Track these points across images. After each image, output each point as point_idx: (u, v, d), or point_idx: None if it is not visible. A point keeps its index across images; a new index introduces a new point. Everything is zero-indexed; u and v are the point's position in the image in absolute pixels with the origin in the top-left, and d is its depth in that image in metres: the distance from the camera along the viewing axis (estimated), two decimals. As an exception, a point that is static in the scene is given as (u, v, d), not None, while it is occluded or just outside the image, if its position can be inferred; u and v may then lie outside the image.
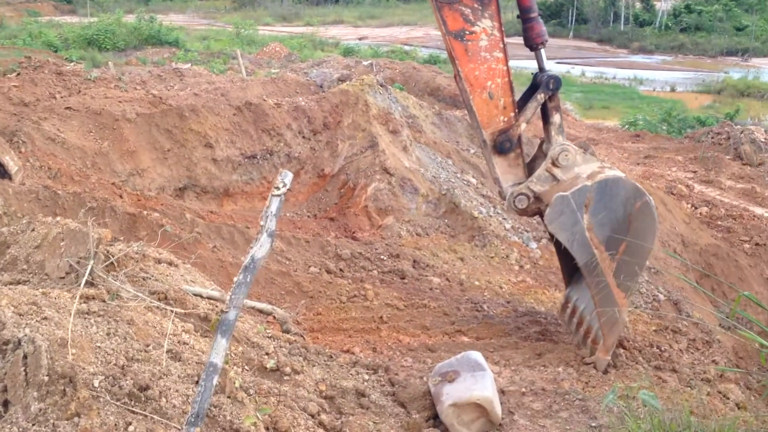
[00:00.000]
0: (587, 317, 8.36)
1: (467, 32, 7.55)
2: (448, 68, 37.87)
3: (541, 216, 7.94)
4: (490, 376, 5.17)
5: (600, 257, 7.66)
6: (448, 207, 14.18)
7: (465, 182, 15.18)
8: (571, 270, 8.61)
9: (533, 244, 13.48)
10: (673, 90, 40.43)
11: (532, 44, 8.07)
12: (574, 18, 67.51)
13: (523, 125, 8.01)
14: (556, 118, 8.12)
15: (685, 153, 21.76)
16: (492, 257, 12.79)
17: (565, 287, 9.11)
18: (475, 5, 7.46)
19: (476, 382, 5.06)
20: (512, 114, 7.91)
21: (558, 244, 8.09)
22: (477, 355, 5.38)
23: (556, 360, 7.06)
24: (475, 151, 16.73)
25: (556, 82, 7.95)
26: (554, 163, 7.91)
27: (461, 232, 13.61)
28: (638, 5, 69.67)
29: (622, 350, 8.13)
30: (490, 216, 14.02)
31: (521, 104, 8.14)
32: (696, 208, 16.89)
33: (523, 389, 5.43)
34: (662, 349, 8.76)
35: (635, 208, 7.60)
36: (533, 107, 8.01)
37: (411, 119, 16.83)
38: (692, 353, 9.41)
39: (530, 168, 8.29)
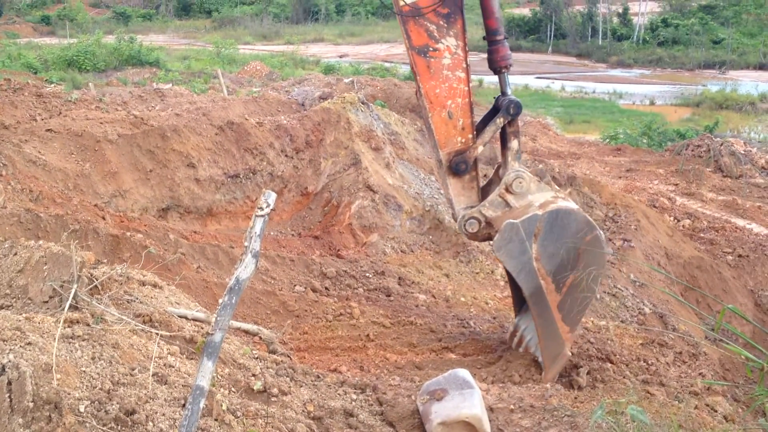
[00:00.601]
0: (532, 348, 8.30)
1: (431, 48, 7.49)
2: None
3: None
4: (478, 394, 5.15)
5: (546, 288, 7.57)
6: (433, 223, 14.20)
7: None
8: (521, 299, 8.48)
9: (518, 259, 13.50)
10: (652, 103, 40.86)
11: (496, 67, 8.03)
12: (552, 33, 68.15)
13: (480, 148, 7.95)
14: (514, 143, 8.05)
15: (666, 166, 21.95)
16: (477, 273, 12.81)
17: (514, 315, 9.06)
18: (441, 22, 7.41)
19: (464, 399, 5.05)
20: (470, 136, 7.83)
21: (509, 272, 8.00)
22: (465, 373, 5.37)
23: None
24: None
25: (517, 107, 7.88)
26: (508, 189, 7.84)
27: (446, 248, 13.63)
28: (615, 20, 70.48)
29: (609, 365, 8.15)
30: (475, 232, 14.04)
31: (481, 127, 8.07)
32: (678, 220, 17.02)
33: (512, 406, 5.42)
34: (649, 362, 8.80)
35: (585, 241, 7.49)
36: (492, 130, 7.94)
37: (393, 136, 16.88)
38: (679, 366, 9.45)
39: (485, 192, 8.20)
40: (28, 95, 16.18)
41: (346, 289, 11.37)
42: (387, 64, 48.85)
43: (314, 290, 11.01)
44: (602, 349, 9.08)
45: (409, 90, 31.44)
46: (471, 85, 7.82)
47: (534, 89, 42.88)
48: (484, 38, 7.98)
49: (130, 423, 3.87)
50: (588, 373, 8.19)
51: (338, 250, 13.39)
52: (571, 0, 73.73)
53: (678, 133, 27.67)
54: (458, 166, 7.86)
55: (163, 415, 4.09)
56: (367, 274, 11.89)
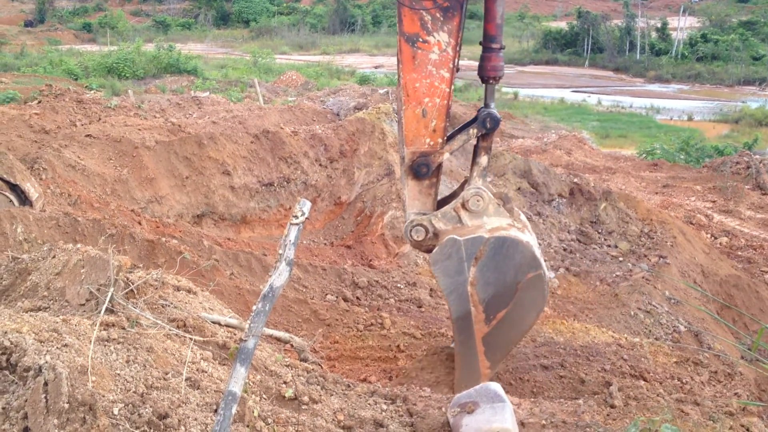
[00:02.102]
0: None
1: (420, 39, 7.15)
2: (463, 96, 38.05)
3: None
4: (509, 408, 5.11)
5: (475, 317, 7.28)
6: (465, 235, 14.14)
7: (482, 211, 15.14)
8: None
9: (551, 274, 13.40)
10: (690, 119, 40.36)
11: (485, 75, 7.65)
12: (589, 47, 67.72)
13: (446, 155, 7.59)
14: (483, 159, 7.68)
15: (703, 182, 21.65)
16: (509, 286, 12.71)
17: None
18: (437, 15, 7.08)
19: (496, 413, 5.00)
20: (440, 140, 7.42)
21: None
22: (496, 386, 5.33)
23: (579, 391, 6.98)
24: (491, 180, 16.72)
25: (494, 121, 7.51)
26: (464, 205, 7.49)
27: (478, 260, 13.55)
28: (654, 34, 69.83)
29: (643, 382, 8.04)
30: (507, 245, 13.96)
31: (456, 135, 7.73)
32: (715, 238, 16.76)
33: (543, 421, 5.36)
34: (684, 381, 8.66)
35: (526, 277, 7.18)
36: (462, 140, 7.60)
37: (428, 147, 16.86)
38: (714, 386, 9.28)
39: (444, 202, 7.86)
40: (68, 101, 16.53)
41: (377, 299, 11.38)
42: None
43: (346, 300, 11.03)
44: (636, 366, 8.96)
45: (443, 102, 31.45)
46: (452, 87, 7.42)
47: (570, 103, 42.59)
48: (480, 43, 7.64)
49: (162, 427, 3.90)
50: (620, 390, 8.08)
51: (370, 260, 13.41)
52: (609, 14, 73.27)
53: (716, 150, 27.28)
54: (420, 168, 7.48)
55: (195, 419, 4.12)
56: (399, 285, 11.88)
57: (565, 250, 14.66)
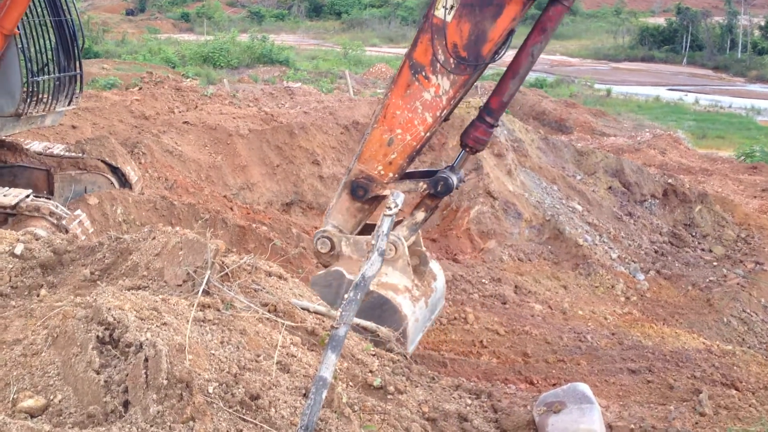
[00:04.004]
0: None
1: (423, 73, 6.98)
2: (554, 92, 37.42)
3: None
4: (597, 410, 5.03)
5: None
6: (552, 233, 13.96)
7: (570, 209, 14.91)
8: None
9: (640, 276, 13.09)
10: (794, 121, 38.55)
11: (466, 142, 7.47)
12: (688, 44, 65.46)
13: (387, 192, 7.34)
14: (420, 215, 7.55)
15: (806, 188, 20.70)
16: (596, 287, 12.49)
17: None
18: (450, 61, 6.90)
19: (583, 414, 4.93)
20: (391, 174, 7.31)
21: None
22: (584, 387, 5.25)
23: (667, 397, 6.81)
24: (581, 178, 16.43)
25: (446, 187, 7.34)
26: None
27: (565, 259, 13.37)
28: (757, 33, 66.94)
29: (734, 392, 7.77)
30: (596, 244, 13.71)
31: (419, 177, 7.61)
32: (817, 245, 16.00)
33: (632, 425, 5.26)
34: (778, 392, 8.32)
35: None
36: (410, 187, 7.44)
37: (516, 143, 16.70)
38: (812, 399, 8.88)
39: (368, 230, 7.68)
40: (167, 88, 17.08)
41: (461, 293, 11.35)
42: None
43: (430, 293, 11.04)
44: (727, 374, 8.68)
45: (534, 97, 31.06)
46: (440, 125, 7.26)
47: (665, 101, 41.30)
48: (479, 108, 7.42)
49: (254, 407, 4.00)
50: (710, 398, 7.85)
51: (455, 255, 13.38)
52: (709, 10, 70.60)
53: (821, 154, 25.99)
54: (357, 189, 7.36)
55: (285, 402, 4.20)
56: (483, 280, 11.82)
57: (656, 252, 14.29)
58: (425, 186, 7.40)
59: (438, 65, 6.93)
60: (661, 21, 72.46)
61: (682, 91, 46.70)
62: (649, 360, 8.99)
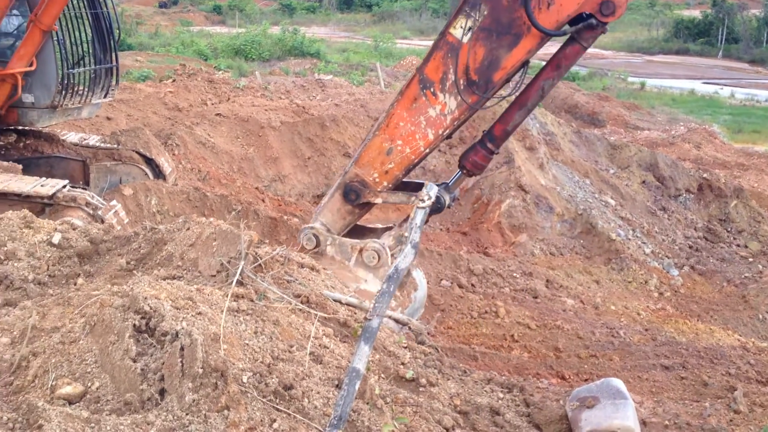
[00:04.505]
0: None
1: (432, 90, 6.93)
2: (586, 85, 37.05)
3: None
4: (631, 406, 4.97)
5: None
6: (585, 227, 13.85)
7: (603, 203, 14.78)
8: None
9: (674, 271, 12.94)
10: (832, 115, 37.77)
11: (464, 164, 7.43)
12: (724, 37, 64.38)
13: (379, 201, 7.39)
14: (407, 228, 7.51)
15: None
16: (629, 282, 12.38)
17: None
18: (461, 83, 6.85)
19: (617, 410, 4.88)
20: (385, 183, 7.28)
21: None
22: (618, 383, 5.20)
23: (701, 394, 6.74)
24: (615, 172, 16.26)
25: (437, 205, 7.27)
26: (361, 251, 7.29)
27: (597, 254, 13.26)
28: (796, 25, 65.64)
29: (770, 389, 7.66)
30: (629, 239, 13.58)
31: (415, 188, 7.52)
32: None
33: (666, 422, 5.20)
34: (816, 389, 8.18)
35: None
36: (402, 199, 7.40)
37: (549, 136, 16.58)
38: None
39: (367, 230, 7.71)
40: (200, 80, 17.20)
41: (492, 287, 11.31)
42: (544, 63, 47.84)
43: (460, 286, 11.03)
44: (762, 372, 8.57)
45: (566, 90, 30.78)
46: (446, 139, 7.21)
47: (700, 95, 40.66)
48: (484, 132, 7.34)
49: (287, 397, 4.02)
50: (745, 395, 7.74)
51: (486, 248, 13.34)
52: (746, 3, 69.35)
53: None
54: (350, 192, 7.32)
55: (318, 393, 4.22)
56: (515, 274, 11.77)
57: (690, 247, 14.11)
58: (419, 202, 7.37)
59: (447, 84, 6.91)
60: (696, 13, 71.33)
61: (717, 84, 45.94)
62: (682, 356, 8.90)
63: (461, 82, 6.86)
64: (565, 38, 6.97)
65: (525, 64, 6.98)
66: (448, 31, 6.87)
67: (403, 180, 7.54)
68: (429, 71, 6.95)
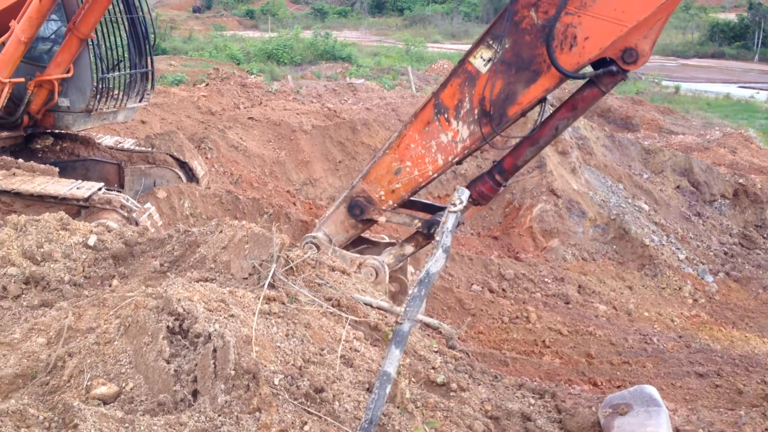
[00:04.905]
0: None
1: (446, 116, 6.90)
2: (619, 89, 36.68)
3: None
4: (665, 413, 4.92)
5: None
6: (617, 233, 13.71)
7: (636, 208, 14.62)
8: None
9: (709, 277, 12.76)
10: None
11: (471, 194, 7.30)
12: (760, 40, 63.40)
13: (382, 219, 7.38)
14: (408, 249, 7.53)
15: None
16: (663, 288, 12.23)
17: None
18: (475, 112, 6.81)
19: (650, 417, 4.83)
20: (390, 202, 7.29)
21: None
22: (651, 390, 5.14)
23: (736, 402, 6.63)
24: (648, 177, 16.09)
25: (433, 233, 7.14)
26: (360, 265, 7.26)
27: (630, 259, 13.12)
28: (834, 28, 64.44)
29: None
30: (663, 245, 13.42)
31: (421, 207, 7.61)
32: None
33: (700, 430, 5.12)
34: None
35: None
36: (404, 220, 7.44)
37: (581, 140, 16.44)
38: None
39: (362, 244, 7.71)
40: (233, 84, 17.34)
41: (523, 292, 11.25)
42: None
43: (491, 291, 10.98)
44: (800, 381, 8.41)
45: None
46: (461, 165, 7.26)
47: (736, 99, 40.05)
48: (494, 162, 7.30)
49: (318, 400, 4.04)
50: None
51: (517, 253, 13.26)
52: (784, 5, 68.22)
53: None
54: (354, 207, 7.33)
55: (349, 396, 4.23)
56: (546, 280, 11.69)
57: (725, 253, 13.91)
58: (419, 224, 7.43)
59: (462, 112, 6.89)
60: (732, 17, 70.30)
61: (753, 88, 45.21)
62: (717, 364, 8.78)
63: (476, 111, 6.84)
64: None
65: (541, 101, 6.95)
66: (468, 59, 6.86)
67: (411, 198, 7.60)
68: (445, 97, 6.95)
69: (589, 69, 6.76)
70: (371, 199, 7.36)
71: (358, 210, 7.39)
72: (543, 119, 7.13)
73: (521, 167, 7.63)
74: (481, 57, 6.75)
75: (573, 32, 6.38)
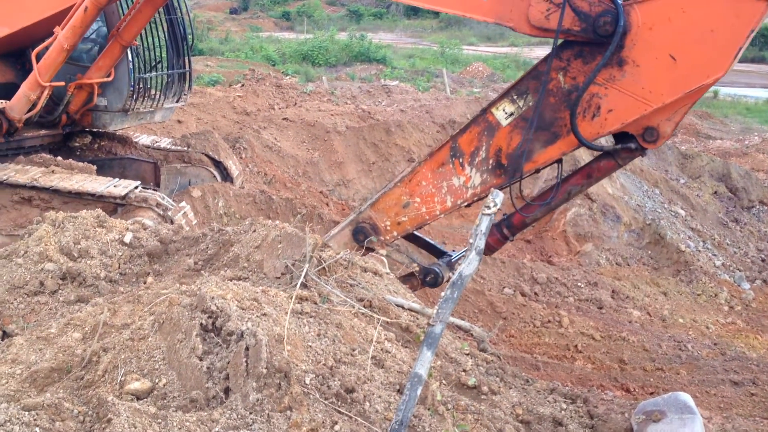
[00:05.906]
0: None
1: (461, 160, 6.90)
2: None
3: None
4: (699, 421, 4.85)
5: None
6: (653, 238, 13.55)
7: (672, 213, 14.43)
8: None
9: (746, 284, 12.55)
10: None
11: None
12: (797, 44, 62.15)
13: (383, 252, 7.37)
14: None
15: None
16: (699, 294, 12.05)
17: None
18: (490, 162, 6.79)
19: (684, 425, 4.76)
20: (395, 233, 7.29)
21: None
22: (686, 397, 5.07)
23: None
24: (685, 182, 15.87)
25: (433, 281, 7.33)
26: None
27: (665, 265, 12.95)
28: None
29: None
30: (699, 251, 13.22)
31: (423, 244, 7.65)
32: None
33: (736, 440, 5.06)
34: None
35: None
36: (404, 260, 7.49)
37: (617, 144, 16.27)
38: None
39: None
40: (268, 85, 17.45)
41: (555, 296, 11.16)
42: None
43: (523, 294, 10.91)
44: (840, 392, 8.24)
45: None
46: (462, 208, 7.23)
47: (776, 104, 39.39)
48: (504, 215, 7.30)
49: (349, 400, 4.05)
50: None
51: (550, 256, 13.17)
52: (827, 7, 66.80)
53: None
54: (359, 233, 7.34)
55: (380, 397, 4.24)
56: (579, 284, 11.59)
57: (763, 260, 13.67)
58: (417, 268, 7.47)
59: (477, 160, 6.89)
60: (773, 19, 69.03)
61: (785, 93, 44.42)
62: (753, 372, 8.63)
63: (491, 162, 6.85)
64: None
65: (557, 161, 6.93)
66: (490, 110, 6.83)
67: (416, 234, 7.63)
68: (462, 142, 6.95)
69: (609, 139, 6.75)
70: (377, 227, 7.41)
71: (362, 236, 7.44)
72: (559, 181, 7.09)
73: (530, 225, 7.67)
74: (503, 110, 6.77)
75: (598, 102, 6.33)
